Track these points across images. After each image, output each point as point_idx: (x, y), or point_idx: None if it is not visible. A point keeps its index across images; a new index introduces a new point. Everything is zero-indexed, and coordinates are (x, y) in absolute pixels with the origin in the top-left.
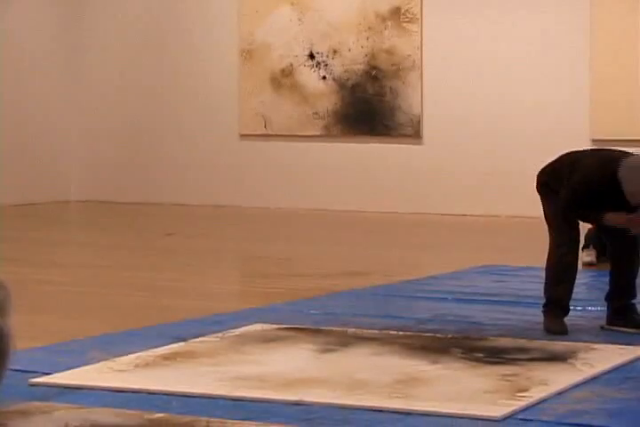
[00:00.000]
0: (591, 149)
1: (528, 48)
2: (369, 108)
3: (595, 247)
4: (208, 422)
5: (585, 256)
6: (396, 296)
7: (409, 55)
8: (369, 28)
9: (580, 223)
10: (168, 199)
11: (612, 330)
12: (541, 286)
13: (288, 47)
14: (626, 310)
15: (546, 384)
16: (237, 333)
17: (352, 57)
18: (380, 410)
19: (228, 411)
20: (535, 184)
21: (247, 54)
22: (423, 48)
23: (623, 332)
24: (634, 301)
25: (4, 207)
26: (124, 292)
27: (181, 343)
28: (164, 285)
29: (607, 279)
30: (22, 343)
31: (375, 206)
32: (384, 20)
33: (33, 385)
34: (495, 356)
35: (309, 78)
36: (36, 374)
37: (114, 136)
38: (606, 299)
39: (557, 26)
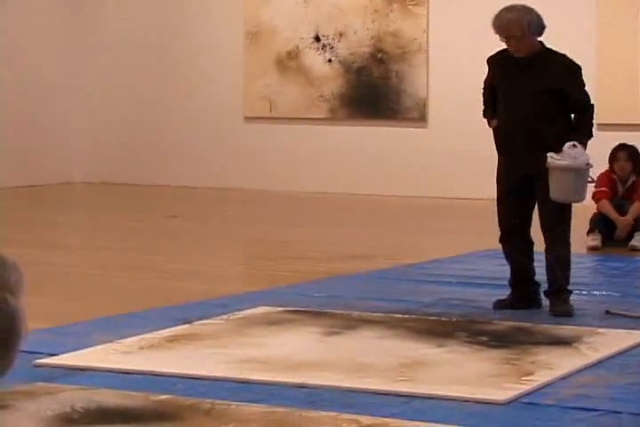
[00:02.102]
0: None
1: None
2: (374, 91)
3: (600, 232)
4: (213, 403)
5: (590, 240)
6: (400, 280)
7: (415, 38)
8: (375, 10)
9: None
10: (172, 181)
11: (617, 314)
12: (543, 270)
13: (294, 30)
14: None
15: (550, 368)
16: (242, 315)
17: (358, 40)
18: (384, 393)
19: (232, 393)
20: None
21: (252, 37)
22: (429, 31)
23: (628, 316)
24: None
25: (7, 189)
26: (128, 274)
27: (186, 326)
28: (168, 267)
29: (613, 264)
30: None
31: (379, 190)
32: (390, 2)
33: (38, 366)
34: (500, 340)
35: (315, 61)
36: (41, 355)
37: (118, 118)
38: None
39: (565, 9)
